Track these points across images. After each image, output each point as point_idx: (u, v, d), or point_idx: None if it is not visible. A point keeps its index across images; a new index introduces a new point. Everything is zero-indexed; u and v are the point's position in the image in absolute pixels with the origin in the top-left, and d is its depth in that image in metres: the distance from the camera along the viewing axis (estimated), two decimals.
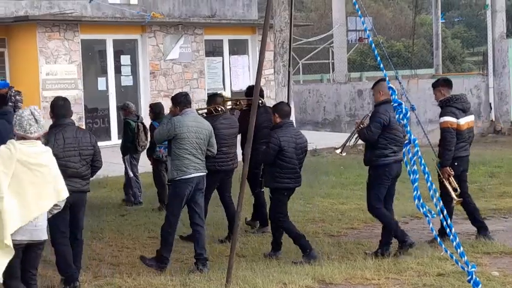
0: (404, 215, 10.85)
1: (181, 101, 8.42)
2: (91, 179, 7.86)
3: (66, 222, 7.53)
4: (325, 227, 10.32)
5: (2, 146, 5.98)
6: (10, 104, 12.83)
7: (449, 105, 8.95)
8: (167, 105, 18.81)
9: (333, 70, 28.50)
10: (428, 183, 7.54)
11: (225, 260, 7.99)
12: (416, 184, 7.31)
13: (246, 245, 9.31)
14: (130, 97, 19.50)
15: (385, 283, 7.40)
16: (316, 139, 19.74)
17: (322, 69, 32.09)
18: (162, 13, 21.17)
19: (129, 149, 12.26)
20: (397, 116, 7.45)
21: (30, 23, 18.34)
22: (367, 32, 8.24)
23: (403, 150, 7.44)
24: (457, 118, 8.90)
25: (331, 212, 11.22)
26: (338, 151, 9.04)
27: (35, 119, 6.07)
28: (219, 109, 9.31)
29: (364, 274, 7.64)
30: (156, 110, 11.91)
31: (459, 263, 7.17)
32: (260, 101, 9.69)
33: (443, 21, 32.80)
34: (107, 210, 11.83)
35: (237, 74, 22.41)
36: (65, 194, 6.24)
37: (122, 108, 12.77)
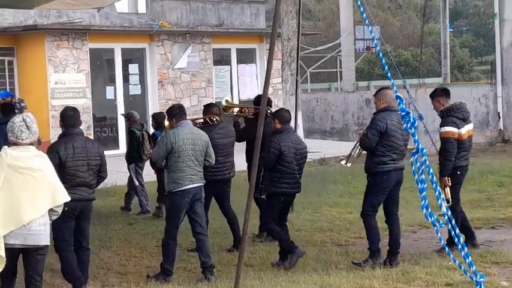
0: (413, 224, 10.82)
1: (176, 113, 8.46)
2: (98, 188, 7.88)
3: (70, 230, 7.56)
4: (333, 236, 10.29)
5: None
6: (16, 111, 12.89)
7: (450, 115, 8.96)
8: None
9: (341, 79, 28.50)
10: (437, 193, 7.54)
11: (233, 269, 7.98)
12: (424, 193, 7.30)
13: (253, 254, 9.30)
14: (139, 106, 19.55)
15: None
16: (324, 148, 19.73)
17: (330, 78, 32.10)
18: (170, 22, 21.23)
19: (134, 157, 12.30)
20: (405, 125, 7.45)
21: (38, 32, 18.41)
22: (375, 41, 8.24)
23: (411, 159, 7.43)
24: (458, 128, 8.90)
25: (339, 221, 11.19)
26: (343, 162, 9.05)
27: (26, 125, 6.20)
28: (214, 119, 9.35)
29: (372, 284, 7.62)
30: (158, 119, 11.92)
31: (468, 273, 7.14)
32: (268, 111, 9.70)
33: (452, 30, 32.81)
34: (115, 219, 11.84)
35: (245, 83, 22.43)
36: (62, 199, 6.30)
37: (127, 117, 12.82)
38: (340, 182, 14.94)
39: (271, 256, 9.07)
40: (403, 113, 7.37)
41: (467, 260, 7.10)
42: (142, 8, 21.66)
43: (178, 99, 20.66)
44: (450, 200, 8.87)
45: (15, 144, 6.17)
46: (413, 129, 7.32)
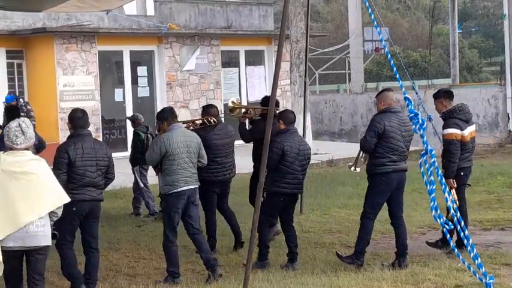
0: (422, 225, 10.80)
1: (167, 117, 8.50)
2: (106, 190, 7.91)
3: (74, 231, 7.63)
4: (342, 237, 10.28)
5: None
6: (22, 114, 12.91)
7: (453, 116, 8.95)
8: (183, 116, 18.91)
9: (350, 80, 28.48)
10: (446, 194, 7.53)
11: (242, 270, 7.98)
12: (433, 195, 7.29)
13: None
14: (147, 108, 19.59)
15: None
16: (332, 149, 19.72)
17: (338, 80, 32.08)
18: (179, 24, 21.27)
19: (139, 160, 12.30)
20: (414, 126, 7.45)
21: (47, 34, 18.48)
22: (384, 42, 8.24)
23: (420, 160, 7.44)
24: (461, 129, 8.90)
25: (348, 223, 11.18)
26: (352, 168, 9.04)
27: (21, 130, 6.31)
28: (212, 120, 9.38)
29: (381, 285, 7.60)
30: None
31: (477, 275, 7.13)
32: (277, 111, 9.70)
33: (460, 31, 32.74)
34: (124, 220, 11.85)
35: (253, 85, 22.45)
36: (61, 201, 6.39)
37: (131, 120, 12.85)
38: (348, 184, 14.91)
39: (280, 258, 9.06)
40: (412, 115, 7.38)
41: (476, 262, 7.09)
42: (150, 11, 21.73)
43: (186, 101, 20.71)
44: (457, 201, 8.85)
45: (11, 149, 6.30)
46: (422, 131, 7.32)
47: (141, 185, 12.27)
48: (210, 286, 7.89)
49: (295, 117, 9.14)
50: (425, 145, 7.29)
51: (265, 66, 22.75)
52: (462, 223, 7.33)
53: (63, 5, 11.84)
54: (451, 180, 8.80)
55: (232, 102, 10.25)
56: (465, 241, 7.23)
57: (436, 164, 7.29)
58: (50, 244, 6.38)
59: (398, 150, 8.40)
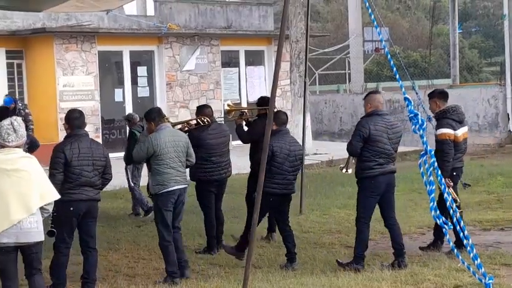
0: (421, 226, 10.80)
1: (155, 117, 8.55)
2: (105, 190, 7.92)
3: (71, 230, 7.65)
4: (342, 238, 10.28)
5: None
6: (20, 118, 12.90)
7: (446, 117, 9.00)
8: (183, 116, 18.91)
9: (350, 80, 28.48)
10: (445, 194, 7.54)
11: (241, 271, 7.98)
12: (432, 195, 7.30)
13: (262, 256, 9.29)
14: (147, 108, 19.43)
15: None
16: (332, 150, 19.69)
17: (338, 80, 32.07)
18: (179, 24, 21.27)
19: (133, 159, 12.28)
20: (413, 126, 7.45)
21: (47, 34, 18.48)
22: (384, 42, 8.24)
23: (420, 161, 7.44)
24: (454, 130, 8.94)
25: (348, 223, 11.17)
26: (343, 170, 9.06)
27: (13, 129, 6.45)
28: (205, 120, 9.41)
29: (381, 285, 7.60)
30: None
31: (476, 275, 7.13)
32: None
33: (461, 31, 32.70)
34: (123, 221, 11.85)
35: (253, 85, 22.45)
36: (51, 197, 6.48)
37: (127, 119, 12.85)
38: (348, 184, 14.89)
39: (279, 258, 9.06)
40: (412, 115, 7.38)
41: (476, 262, 7.09)
42: (150, 11, 21.73)
43: (186, 102, 20.71)
44: (458, 199, 8.86)
45: (3, 146, 6.41)
46: (421, 131, 7.32)
47: (131, 184, 12.28)
48: (209, 286, 7.89)
49: (287, 118, 9.19)
50: (425, 145, 7.29)
51: (265, 66, 22.75)
52: (462, 223, 7.34)
53: (63, 5, 11.86)
54: (447, 179, 8.81)
55: (228, 105, 10.38)
56: (465, 241, 7.23)
57: (436, 164, 7.29)
58: (43, 239, 6.50)
59: (385, 153, 8.39)
